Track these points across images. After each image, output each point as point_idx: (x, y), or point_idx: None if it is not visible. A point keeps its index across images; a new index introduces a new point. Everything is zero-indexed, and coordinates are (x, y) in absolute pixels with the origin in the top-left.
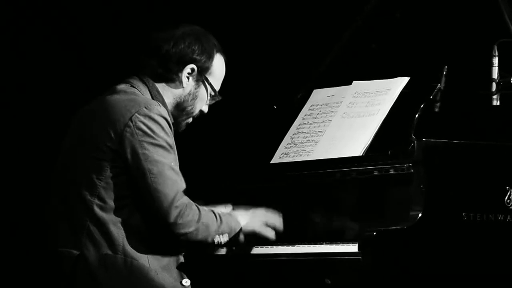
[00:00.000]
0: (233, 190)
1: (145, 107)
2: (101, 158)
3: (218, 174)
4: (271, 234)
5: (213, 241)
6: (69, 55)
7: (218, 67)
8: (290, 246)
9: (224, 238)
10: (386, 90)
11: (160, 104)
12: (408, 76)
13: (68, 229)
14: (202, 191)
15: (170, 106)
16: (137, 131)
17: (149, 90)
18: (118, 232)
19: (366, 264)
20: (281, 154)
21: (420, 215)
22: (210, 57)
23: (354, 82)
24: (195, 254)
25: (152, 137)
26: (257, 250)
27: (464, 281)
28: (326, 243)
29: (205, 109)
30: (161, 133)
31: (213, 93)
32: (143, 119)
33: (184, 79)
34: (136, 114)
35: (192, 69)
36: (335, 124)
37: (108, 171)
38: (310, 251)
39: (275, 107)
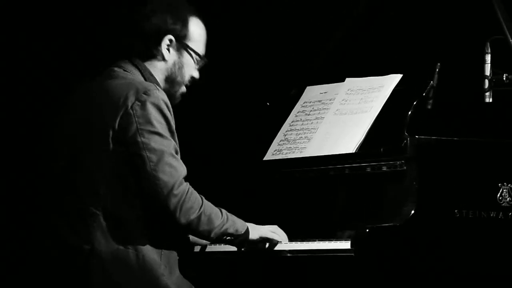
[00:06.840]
0: (226, 188)
1: (144, 93)
2: (107, 150)
3: (210, 171)
4: (279, 238)
5: (216, 238)
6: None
7: (196, 30)
8: (283, 243)
9: (228, 237)
10: (379, 87)
11: (158, 87)
12: (401, 73)
13: (79, 223)
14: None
15: (161, 83)
16: (136, 119)
17: (141, 73)
18: (130, 226)
19: (359, 261)
20: (274, 151)
21: (412, 212)
22: (185, 23)
23: (347, 79)
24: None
25: (151, 125)
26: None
27: (457, 278)
28: (319, 240)
29: (196, 74)
30: (161, 119)
31: (198, 58)
32: (142, 106)
33: (165, 52)
34: (136, 101)
35: (170, 40)
36: (328, 121)
37: (115, 163)
38: (302, 248)
39: (268, 104)
